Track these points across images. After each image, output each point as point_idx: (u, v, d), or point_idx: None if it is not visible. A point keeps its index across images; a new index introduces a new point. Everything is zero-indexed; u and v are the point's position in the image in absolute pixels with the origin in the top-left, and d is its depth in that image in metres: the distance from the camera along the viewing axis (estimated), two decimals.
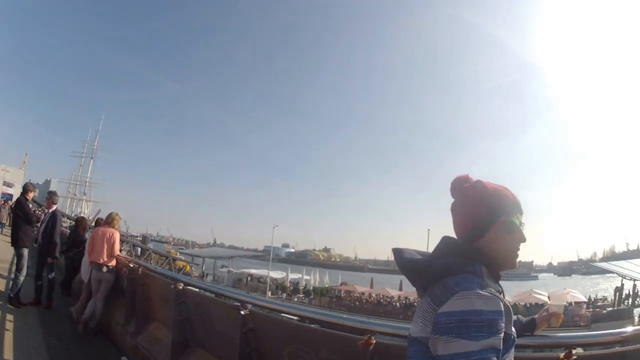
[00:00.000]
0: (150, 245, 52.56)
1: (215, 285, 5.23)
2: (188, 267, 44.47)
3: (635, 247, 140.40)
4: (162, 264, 39.76)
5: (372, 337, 2.41)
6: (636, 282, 29.65)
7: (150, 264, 39.61)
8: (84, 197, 71.58)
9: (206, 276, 43.51)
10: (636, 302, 30.32)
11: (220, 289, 4.09)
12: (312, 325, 3.02)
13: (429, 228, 32.69)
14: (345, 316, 2.86)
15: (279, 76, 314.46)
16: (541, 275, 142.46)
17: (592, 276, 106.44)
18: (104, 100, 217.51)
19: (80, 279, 7.10)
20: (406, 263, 1.27)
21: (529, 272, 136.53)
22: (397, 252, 1.32)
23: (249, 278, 39.64)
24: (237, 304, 3.45)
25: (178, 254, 53.93)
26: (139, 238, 56.77)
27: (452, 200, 1.36)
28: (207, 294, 4.31)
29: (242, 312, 3.34)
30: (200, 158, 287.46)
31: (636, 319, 28.09)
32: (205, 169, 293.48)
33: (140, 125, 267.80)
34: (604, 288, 61.85)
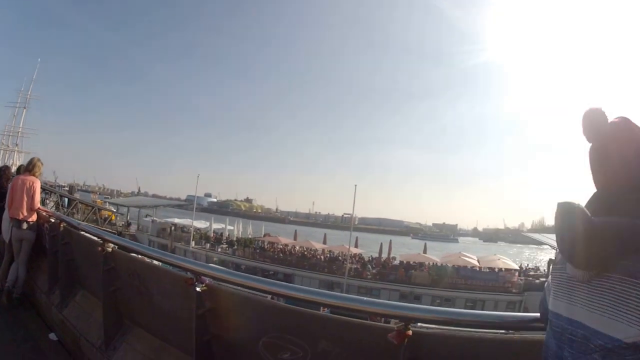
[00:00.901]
0: (77, 195, 51.04)
1: (158, 250, 3.46)
2: (113, 217, 43.81)
3: None
4: (88, 214, 39.24)
5: (409, 327, 1.79)
6: None
7: (77, 217, 38.04)
8: (16, 149, 66.16)
9: (130, 225, 42.69)
10: None
11: (166, 256, 3.05)
12: (309, 310, 2.24)
13: (355, 184, 32.14)
14: (366, 299, 2.05)
15: (211, 27, 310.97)
16: (465, 239, 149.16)
17: (518, 245, 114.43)
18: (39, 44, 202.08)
19: (2, 239, 5.78)
20: (600, 224, 0.87)
21: (452, 234, 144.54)
22: (570, 208, 0.92)
23: (173, 228, 38.47)
24: (189, 275, 2.62)
25: (103, 203, 53.06)
26: (66, 188, 53.69)
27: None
28: (147, 260, 3.32)
29: (198, 289, 2.52)
30: (126, 106, 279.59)
31: None
32: (131, 118, 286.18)
33: (73, 71, 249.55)
34: (529, 257, 67.09)
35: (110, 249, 3.47)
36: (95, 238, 3.80)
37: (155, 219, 41.21)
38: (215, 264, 31.27)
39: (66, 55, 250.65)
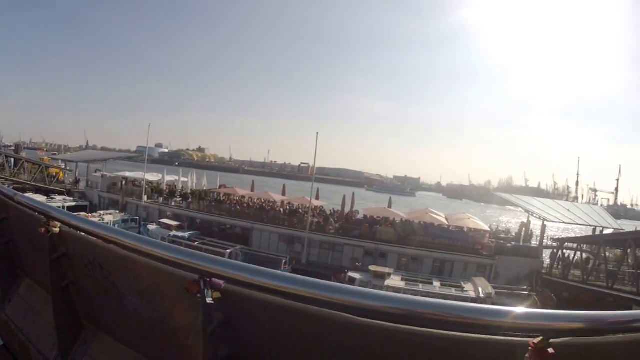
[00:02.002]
0: (24, 154, 48.67)
1: (132, 234, 2.08)
2: (61, 175, 41.77)
3: (535, 185, 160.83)
4: (35, 174, 37.30)
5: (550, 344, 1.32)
6: (546, 223, 29.60)
7: (23, 178, 35.40)
8: None
9: (78, 182, 40.56)
10: (545, 242, 30.31)
11: (147, 244, 1.99)
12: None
13: (317, 131, 30.32)
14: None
15: None
16: (428, 194, 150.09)
17: (483, 204, 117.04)
18: None
19: None
20: None
21: (409, 187, 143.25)
22: None
23: (124, 182, 36.64)
24: (191, 276, 1.76)
25: (50, 160, 50.79)
26: (12, 148, 52.24)
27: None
28: (113, 247, 2.21)
29: (209, 299, 1.70)
30: (69, 57, 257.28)
31: (546, 259, 28.59)
32: (76, 69, 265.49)
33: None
34: (491, 216, 69.24)
35: (57, 230, 2.51)
36: (36, 214, 2.75)
37: (105, 173, 38.74)
38: (169, 218, 30.46)
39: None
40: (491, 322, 1.38)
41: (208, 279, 1.68)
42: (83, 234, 2.45)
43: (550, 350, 1.30)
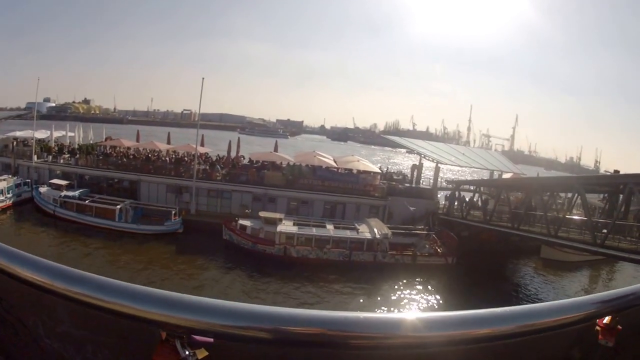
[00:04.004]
0: None
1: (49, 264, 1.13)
2: None
3: (424, 129, 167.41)
4: None
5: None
6: (439, 165, 30.09)
7: None
8: None
9: None
10: (440, 184, 31.11)
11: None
12: None
13: (203, 76, 29.66)
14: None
15: None
16: (312, 137, 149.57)
17: (371, 146, 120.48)
18: None
19: None
20: None
21: (281, 129, 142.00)
22: None
23: (15, 143, 33.42)
24: (158, 332, 1.14)
25: None
26: None
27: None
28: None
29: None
30: None
31: (442, 200, 29.02)
32: None
33: None
34: (379, 159, 71.08)
35: None
36: None
37: None
38: (59, 178, 28.27)
39: None
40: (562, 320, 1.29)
41: (184, 337, 1.12)
42: None
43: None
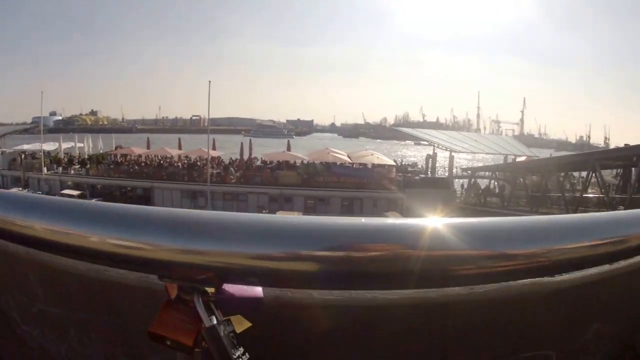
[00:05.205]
0: None
1: None
2: None
3: (434, 120, 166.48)
4: None
5: None
6: (453, 153, 29.66)
7: None
8: None
9: None
10: (455, 172, 30.66)
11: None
12: None
13: (210, 80, 30.84)
14: None
15: None
16: (323, 135, 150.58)
17: (378, 140, 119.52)
18: None
19: None
20: None
21: (286, 130, 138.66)
22: None
23: (23, 156, 33.46)
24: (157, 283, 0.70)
25: None
26: None
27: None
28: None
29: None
30: None
31: (458, 189, 28.46)
32: None
33: None
34: (392, 152, 70.46)
35: None
36: None
37: (4, 149, 35.10)
38: (70, 188, 28.07)
39: None
40: None
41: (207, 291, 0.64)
42: None
43: None
